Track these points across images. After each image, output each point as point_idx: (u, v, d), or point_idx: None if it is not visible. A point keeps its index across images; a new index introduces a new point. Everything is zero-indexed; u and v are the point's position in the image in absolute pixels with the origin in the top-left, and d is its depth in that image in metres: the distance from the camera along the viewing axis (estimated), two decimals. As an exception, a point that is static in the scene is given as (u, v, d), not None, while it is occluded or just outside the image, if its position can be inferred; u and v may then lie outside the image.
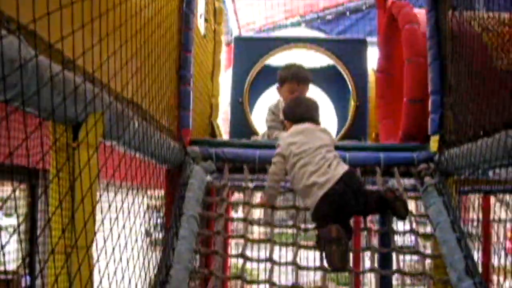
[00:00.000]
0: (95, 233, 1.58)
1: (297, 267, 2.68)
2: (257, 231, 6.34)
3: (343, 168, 2.87)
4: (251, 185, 3.29)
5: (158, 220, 2.86)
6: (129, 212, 2.01)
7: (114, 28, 1.79)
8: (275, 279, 2.60)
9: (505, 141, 2.20)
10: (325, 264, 2.63)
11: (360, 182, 2.93)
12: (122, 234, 1.88)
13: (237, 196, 5.52)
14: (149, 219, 2.52)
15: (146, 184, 2.39)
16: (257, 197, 3.67)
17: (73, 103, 1.53)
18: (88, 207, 1.55)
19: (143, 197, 2.40)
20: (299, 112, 3.30)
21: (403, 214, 2.76)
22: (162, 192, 3.07)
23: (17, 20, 1.22)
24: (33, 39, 1.29)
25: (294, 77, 3.90)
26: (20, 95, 1.22)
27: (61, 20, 1.38)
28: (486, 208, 5.73)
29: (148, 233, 2.49)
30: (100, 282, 1.59)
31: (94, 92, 1.63)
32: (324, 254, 2.58)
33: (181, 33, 3.33)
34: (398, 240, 3.18)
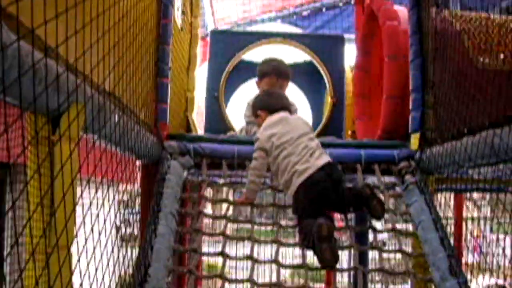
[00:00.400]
0: (76, 234, 1.49)
1: (279, 265, 2.61)
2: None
3: (326, 158, 2.85)
4: (228, 180, 3.22)
5: (129, 216, 2.76)
6: (109, 209, 1.93)
7: (98, 16, 1.70)
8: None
9: (492, 139, 2.18)
10: (307, 260, 2.61)
11: (341, 175, 2.90)
12: (95, 230, 1.79)
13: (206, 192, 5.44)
14: (121, 215, 2.42)
15: (118, 179, 2.29)
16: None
17: (53, 93, 1.44)
18: (68, 205, 1.46)
19: (122, 193, 2.31)
20: (273, 101, 3.27)
21: (379, 214, 2.72)
22: (134, 187, 2.97)
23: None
24: (15, 23, 1.19)
25: (274, 72, 3.85)
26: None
27: (45, 9, 1.29)
28: (458, 207, 5.79)
29: (118, 229, 2.40)
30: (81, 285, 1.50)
31: (76, 82, 1.53)
32: (314, 252, 2.51)
33: (160, 24, 3.23)
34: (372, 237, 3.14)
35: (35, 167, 1.44)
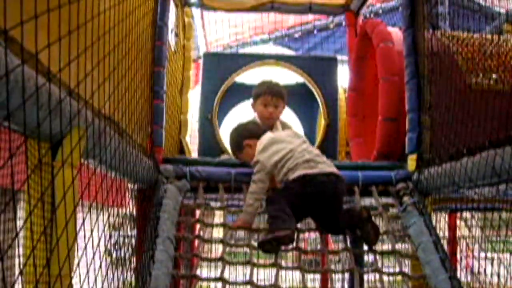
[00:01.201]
0: (78, 263, 1.45)
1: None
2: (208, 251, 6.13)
3: (335, 169, 2.95)
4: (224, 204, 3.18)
5: (120, 239, 2.70)
6: (104, 233, 1.88)
7: (98, 40, 1.68)
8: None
9: (493, 160, 2.17)
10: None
11: (344, 191, 2.97)
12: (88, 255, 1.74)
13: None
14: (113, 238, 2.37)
15: (110, 203, 2.24)
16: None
17: (54, 118, 1.41)
18: (70, 232, 1.42)
19: (113, 217, 2.26)
20: (254, 127, 3.36)
21: (372, 239, 2.73)
22: (126, 210, 2.92)
23: (4, 29, 1.09)
24: (16, 47, 1.16)
25: (267, 91, 3.85)
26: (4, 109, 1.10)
27: (48, 36, 1.27)
28: (452, 226, 5.78)
29: (109, 253, 2.35)
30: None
31: (78, 107, 1.50)
32: (360, 234, 2.72)
33: (155, 47, 3.22)
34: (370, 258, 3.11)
35: (36, 194, 1.40)
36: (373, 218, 2.83)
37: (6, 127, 1.15)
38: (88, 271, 1.48)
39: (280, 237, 2.60)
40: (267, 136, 3.15)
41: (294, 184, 2.82)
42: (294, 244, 2.95)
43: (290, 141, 3.07)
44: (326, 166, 2.91)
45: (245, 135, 3.28)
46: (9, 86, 1.13)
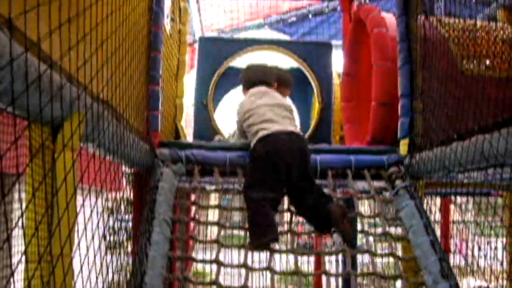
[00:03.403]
0: (79, 242, 1.50)
1: (273, 272, 2.63)
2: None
3: (296, 128, 3.00)
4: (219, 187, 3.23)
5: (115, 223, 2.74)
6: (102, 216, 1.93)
7: (96, 26, 1.71)
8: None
9: (482, 145, 2.23)
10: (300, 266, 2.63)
11: (307, 150, 2.99)
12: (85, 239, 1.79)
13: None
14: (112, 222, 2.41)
15: (105, 186, 2.29)
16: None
17: (55, 103, 1.45)
18: (71, 214, 1.47)
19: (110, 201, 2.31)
20: (250, 75, 3.39)
21: (349, 236, 2.75)
22: (122, 194, 2.96)
23: (9, 17, 1.13)
24: (22, 36, 1.20)
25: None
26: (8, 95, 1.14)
27: (50, 21, 1.30)
28: (445, 210, 5.86)
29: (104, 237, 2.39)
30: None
31: (78, 92, 1.54)
32: (336, 233, 2.73)
33: (151, 32, 3.24)
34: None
35: (38, 177, 1.44)
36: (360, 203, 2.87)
37: (10, 113, 1.19)
38: (87, 250, 1.53)
39: (265, 243, 2.68)
40: (253, 90, 3.25)
41: (257, 146, 2.91)
42: (288, 227, 3.02)
43: (273, 96, 3.17)
44: (285, 125, 2.95)
45: (241, 82, 3.44)
46: (13, 73, 1.17)
